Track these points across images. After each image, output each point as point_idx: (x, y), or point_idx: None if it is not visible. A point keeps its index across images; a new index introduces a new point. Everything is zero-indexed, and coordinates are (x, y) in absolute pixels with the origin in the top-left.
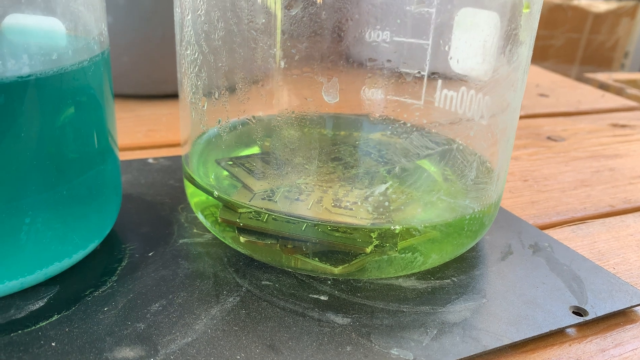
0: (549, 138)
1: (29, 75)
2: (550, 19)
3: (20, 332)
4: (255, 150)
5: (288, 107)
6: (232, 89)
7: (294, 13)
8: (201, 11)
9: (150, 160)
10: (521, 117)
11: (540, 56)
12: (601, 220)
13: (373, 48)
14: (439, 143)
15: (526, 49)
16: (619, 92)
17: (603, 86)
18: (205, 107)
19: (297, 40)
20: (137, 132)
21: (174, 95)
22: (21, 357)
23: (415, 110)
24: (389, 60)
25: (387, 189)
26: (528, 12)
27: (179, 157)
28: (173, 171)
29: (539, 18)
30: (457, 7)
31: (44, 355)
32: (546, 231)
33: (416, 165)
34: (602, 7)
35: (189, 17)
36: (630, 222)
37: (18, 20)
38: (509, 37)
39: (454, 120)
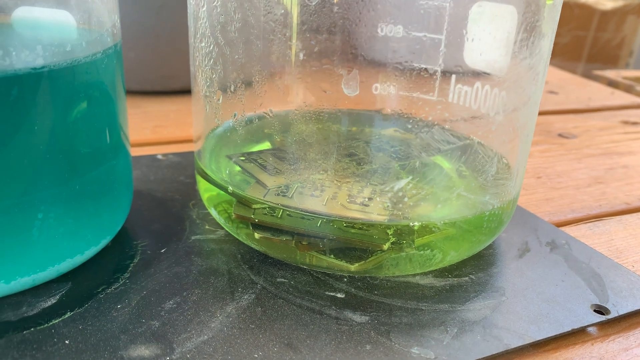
0: (560, 135)
1: (42, 67)
2: None
3: (33, 329)
4: (267, 145)
5: (305, 100)
6: (248, 82)
7: (314, 3)
8: (217, 2)
9: (159, 157)
10: None
11: None
12: (618, 217)
13: (386, 42)
14: (455, 139)
15: (548, 42)
16: (628, 89)
17: (612, 83)
18: (220, 100)
19: (316, 32)
20: (145, 129)
21: (181, 92)
22: (34, 355)
23: (429, 105)
24: (401, 56)
25: (406, 184)
26: (552, 3)
27: (188, 153)
28: (183, 167)
29: (560, 10)
30: (472, 2)
31: (57, 354)
32: (562, 228)
33: (430, 161)
34: (608, 4)
35: (204, 8)
36: None
37: (29, 12)
38: (532, 30)
39: (470, 115)
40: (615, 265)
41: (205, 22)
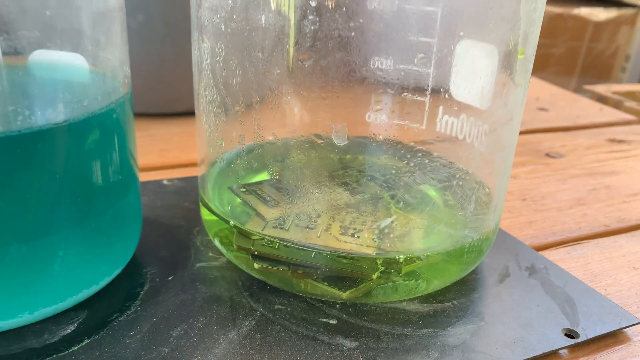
0: (547, 155)
1: (63, 122)
2: (551, 28)
3: (55, 356)
4: (266, 175)
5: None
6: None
7: (307, 65)
8: (219, 57)
9: (165, 182)
10: (521, 133)
11: (541, 65)
12: (595, 240)
13: (378, 74)
14: (443, 168)
15: (522, 91)
16: (617, 104)
17: (602, 99)
18: (223, 144)
19: (309, 90)
20: (151, 152)
21: (184, 113)
22: None
23: (418, 134)
24: (393, 87)
25: (391, 222)
26: (523, 57)
27: (192, 178)
28: (187, 193)
29: (533, 60)
30: (457, 40)
31: None
32: (542, 252)
33: (419, 189)
34: (602, 15)
35: (207, 61)
36: (623, 242)
37: (45, 55)
38: (505, 83)
39: (456, 145)
40: (588, 290)
41: (209, 73)
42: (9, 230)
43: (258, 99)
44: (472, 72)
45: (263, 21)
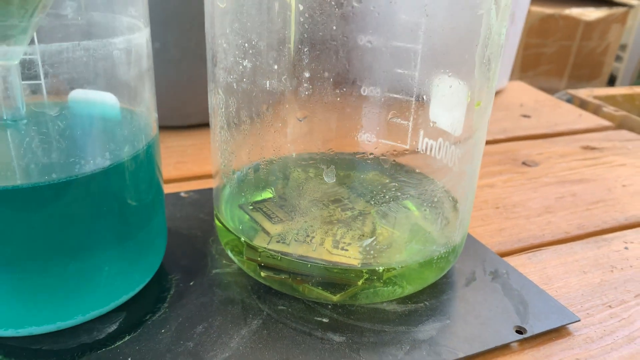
0: (524, 163)
1: (109, 166)
2: (542, 28)
3: (104, 349)
4: (270, 193)
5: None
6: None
7: (302, 120)
8: (232, 108)
9: (182, 194)
10: (502, 141)
11: (533, 64)
12: (554, 247)
13: (368, 100)
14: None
15: (482, 133)
16: (596, 110)
17: (583, 104)
18: (236, 177)
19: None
20: (168, 165)
21: (196, 125)
22: None
23: (403, 153)
24: (380, 112)
25: (372, 241)
26: (480, 107)
27: (205, 190)
28: (202, 205)
29: (490, 109)
30: (435, 74)
31: None
32: (506, 258)
33: (401, 204)
34: (592, 15)
35: (222, 109)
36: (578, 249)
37: (82, 94)
38: (473, 113)
39: (434, 164)
40: (540, 292)
41: (223, 119)
42: (68, 251)
43: (263, 144)
44: (447, 102)
45: (268, 85)
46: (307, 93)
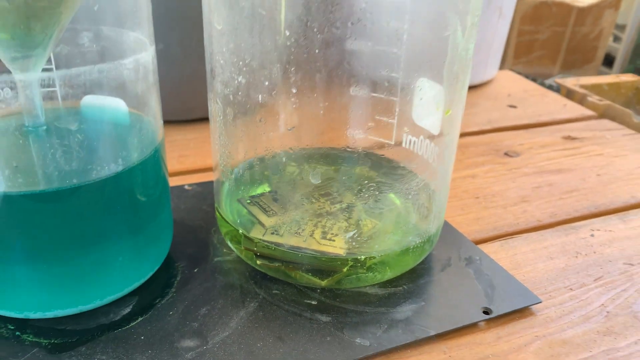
0: (506, 154)
1: (122, 170)
2: (536, 15)
3: (120, 329)
4: (266, 187)
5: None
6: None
7: (291, 130)
8: (229, 117)
9: (186, 187)
10: (487, 132)
11: (526, 50)
12: (526, 235)
13: (356, 100)
14: (405, 177)
15: (455, 135)
16: (582, 99)
17: (570, 93)
18: (233, 175)
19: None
20: (172, 158)
21: (198, 119)
22: (123, 347)
23: (388, 148)
24: (368, 109)
25: (354, 234)
26: (449, 114)
27: (207, 183)
28: (204, 197)
29: (461, 116)
30: (417, 77)
31: (137, 346)
32: (481, 245)
33: (386, 197)
34: (585, 1)
35: (220, 117)
36: (548, 236)
37: (94, 99)
38: (450, 114)
39: (417, 160)
40: (508, 276)
41: (222, 126)
42: (87, 245)
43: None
44: (427, 103)
45: (260, 99)
46: (294, 106)
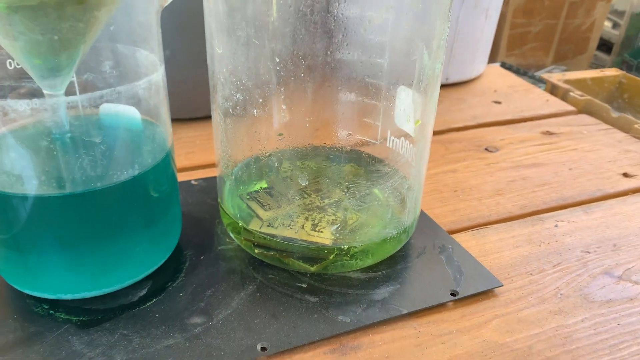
0: (486, 149)
1: (138, 174)
2: (528, 8)
3: (137, 309)
4: (264, 183)
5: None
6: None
7: (281, 138)
8: (229, 127)
9: (193, 182)
10: (471, 128)
11: (519, 42)
12: (496, 225)
13: (344, 104)
14: (391, 174)
15: (427, 140)
16: (564, 94)
17: (554, 88)
18: (233, 176)
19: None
20: (179, 155)
21: (202, 118)
22: (141, 323)
23: (374, 147)
24: (355, 113)
25: (338, 227)
26: (419, 125)
27: (211, 178)
28: (209, 191)
29: (433, 124)
30: (397, 85)
31: (153, 322)
32: (454, 235)
33: (371, 192)
34: None
35: (222, 127)
36: (516, 226)
37: (110, 107)
38: (424, 119)
39: (400, 159)
40: (476, 263)
41: (223, 133)
42: (110, 238)
43: (252, 148)
44: (407, 109)
45: (255, 113)
46: (284, 120)
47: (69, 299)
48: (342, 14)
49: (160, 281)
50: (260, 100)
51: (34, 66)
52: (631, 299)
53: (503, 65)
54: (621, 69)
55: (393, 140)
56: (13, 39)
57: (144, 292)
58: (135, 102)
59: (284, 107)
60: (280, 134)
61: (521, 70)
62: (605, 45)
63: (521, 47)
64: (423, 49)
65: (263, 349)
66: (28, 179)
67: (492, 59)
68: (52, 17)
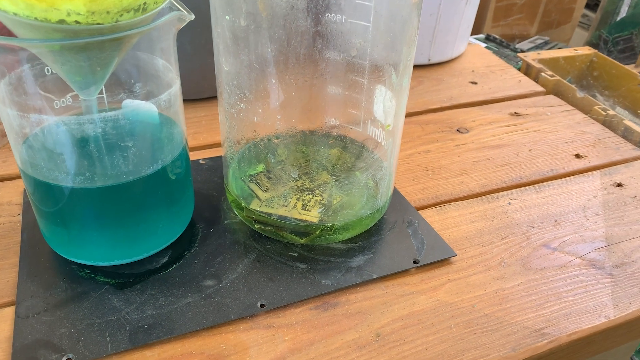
0: (458, 130)
1: (160, 168)
2: None
3: (161, 273)
4: (262, 167)
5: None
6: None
7: (278, 140)
8: (234, 128)
9: (201, 161)
10: (446, 109)
11: (504, 14)
12: (458, 202)
13: (331, 97)
14: (370, 160)
15: (398, 137)
16: (537, 75)
17: (528, 68)
18: (237, 153)
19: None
20: (187, 135)
21: (207, 98)
22: (165, 285)
23: (358, 134)
24: (341, 104)
25: (324, 209)
26: (389, 128)
27: (217, 157)
28: (215, 170)
29: (402, 129)
30: (377, 82)
31: (174, 284)
32: (421, 211)
33: (353, 175)
34: None
35: (227, 122)
36: (474, 204)
37: (131, 103)
38: (397, 112)
39: (379, 146)
40: (436, 236)
41: (227, 126)
42: (139, 216)
43: (255, 141)
44: (382, 102)
45: (256, 119)
46: (279, 127)
47: (105, 265)
48: (327, 55)
49: (178, 250)
50: (260, 111)
51: (74, 81)
52: (561, 267)
53: (487, 37)
54: (598, 43)
55: (380, 131)
56: (61, 65)
57: (165, 259)
58: (159, 110)
59: (279, 117)
60: (277, 137)
61: (504, 42)
62: (597, 5)
63: (506, 19)
64: (392, 70)
65: (262, 305)
66: (72, 173)
67: (477, 30)
68: (94, 51)
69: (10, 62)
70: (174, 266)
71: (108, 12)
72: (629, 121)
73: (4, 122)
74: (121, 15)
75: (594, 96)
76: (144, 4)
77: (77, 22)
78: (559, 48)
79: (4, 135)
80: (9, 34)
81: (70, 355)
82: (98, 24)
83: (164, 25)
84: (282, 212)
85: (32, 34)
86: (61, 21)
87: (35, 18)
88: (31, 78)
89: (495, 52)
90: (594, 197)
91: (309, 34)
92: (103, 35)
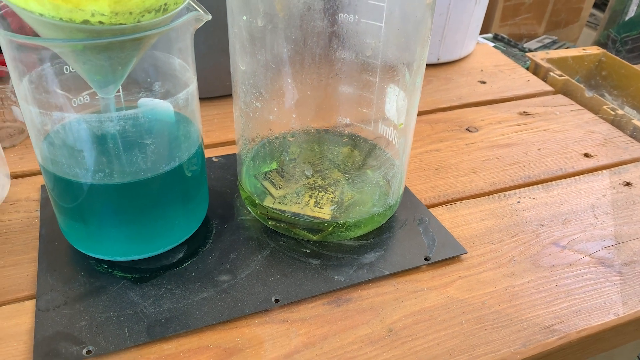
0: (467, 129)
1: (177, 165)
2: None
3: (177, 268)
4: (275, 164)
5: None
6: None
7: (292, 138)
8: (249, 126)
9: (214, 159)
10: (456, 108)
11: (512, 14)
12: (468, 201)
13: (346, 96)
14: (382, 158)
15: (410, 135)
16: (545, 74)
17: (537, 67)
18: (251, 150)
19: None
20: None
21: (219, 97)
22: (181, 280)
23: (369, 133)
24: (353, 103)
25: (336, 206)
26: (402, 127)
27: (230, 155)
28: (228, 167)
29: (413, 128)
30: (389, 82)
31: (190, 279)
32: (432, 209)
33: (364, 172)
34: None
35: (242, 121)
36: (484, 202)
37: (147, 101)
38: (409, 110)
39: (390, 145)
40: (447, 233)
41: (241, 125)
42: (156, 213)
43: (270, 138)
44: (395, 101)
45: (271, 118)
46: (293, 125)
47: (122, 260)
48: (342, 55)
49: (194, 246)
50: (275, 110)
51: (94, 80)
52: (570, 265)
53: (495, 37)
54: (606, 43)
55: (391, 130)
56: (82, 64)
57: (181, 255)
58: (176, 109)
59: (294, 116)
60: (292, 135)
61: (512, 42)
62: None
63: (514, 18)
64: (405, 70)
65: (276, 300)
66: (92, 170)
67: (485, 29)
68: (115, 51)
69: (32, 60)
70: (190, 261)
71: (131, 13)
72: (637, 121)
73: (26, 120)
74: (143, 16)
75: (602, 96)
76: (165, 4)
77: (100, 22)
78: (567, 48)
79: (20, 132)
80: (33, 34)
81: (91, 348)
82: (120, 24)
83: (182, 25)
84: (295, 209)
85: (55, 34)
86: (85, 22)
87: (61, 18)
88: (52, 76)
89: (503, 52)
90: (603, 196)
91: (325, 34)
92: (125, 35)
